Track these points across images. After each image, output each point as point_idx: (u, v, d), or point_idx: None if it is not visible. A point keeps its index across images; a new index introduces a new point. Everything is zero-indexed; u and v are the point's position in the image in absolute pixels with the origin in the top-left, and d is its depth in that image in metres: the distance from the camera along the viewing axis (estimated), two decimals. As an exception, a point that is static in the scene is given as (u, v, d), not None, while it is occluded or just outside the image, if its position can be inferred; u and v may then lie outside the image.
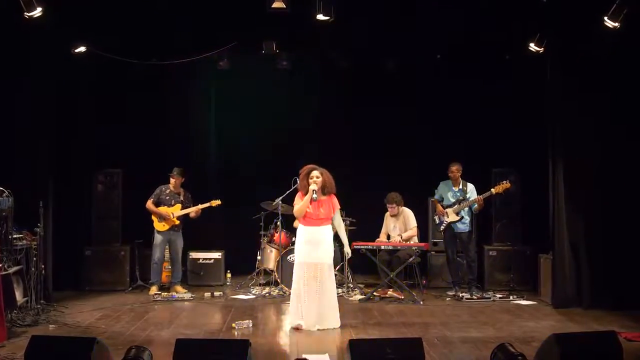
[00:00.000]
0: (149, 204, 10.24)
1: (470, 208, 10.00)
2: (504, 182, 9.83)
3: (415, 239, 10.17)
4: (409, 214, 10.32)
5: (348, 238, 8.60)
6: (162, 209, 10.24)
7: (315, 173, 7.95)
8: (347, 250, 8.38)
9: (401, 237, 10.07)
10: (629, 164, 8.83)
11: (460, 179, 10.08)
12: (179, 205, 10.31)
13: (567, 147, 9.13)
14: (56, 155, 9.80)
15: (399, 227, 10.29)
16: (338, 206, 8.14)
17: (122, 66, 10.24)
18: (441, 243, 10.70)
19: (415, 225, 10.27)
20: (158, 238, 10.26)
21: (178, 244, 10.38)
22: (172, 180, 10.31)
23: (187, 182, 10.57)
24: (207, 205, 10.35)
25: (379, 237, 10.41)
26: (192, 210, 10.32)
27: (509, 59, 10.74)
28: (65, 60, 9.74)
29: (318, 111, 11.95)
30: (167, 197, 10.31)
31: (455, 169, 10.03)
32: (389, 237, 10.40)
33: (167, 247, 10.42)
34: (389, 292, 9.87)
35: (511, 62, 10.71)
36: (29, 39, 8.97)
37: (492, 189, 9.80)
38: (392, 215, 10.35)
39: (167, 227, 10.24)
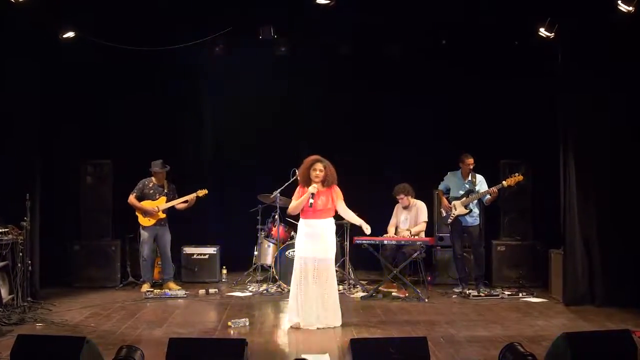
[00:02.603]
0: (132, 199, 10.22)
1: (479, 200, 9.99)
2: (516, 174, 9.79)
3: (422, 234, 10.17)
4: (421, 207, 10.31)
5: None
6: (146, 204, 10.22)
7: (319, 166, 7.84)
8: (366, 226, 8.03)
9: (410, 232, 10.03)
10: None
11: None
12: (163, 198, 10.30)
13: (579, 138, 9.09)
14: (43, 145, 9.80)
15: (410, 220, 10.28)
16: (341, 195, 8.02)
17: (112, 53, 10.19)
18: (447, 238, 10.71)
19: (426, 220, 10.26)
20: (144, 234, 10.26)
21: (166, 238, 10.37)
22: (155, 176, 10.31)
23: (176, 174, 10.57)
24: (193, 195, 10.29)
25: (387, 229, 10.38)
26: (178, 202, 10.30)
27: (517, 45, 10.71)
28: (52, 45, 9.72)
29: (318, 99, 11.94)
30: (151, 191, 10.30)
31: (471, 162, 9.98)
32: (396, 230, 10.38)
33: (155, 242, 10.41)
34: (394, 292, 9.85)
35: (520, 49, 10.68)
36: (14, 23, 8.94)
37: (504, 181, 9.77)
38: (403, 207, 10.33)
39: (153, 221, 10.23)
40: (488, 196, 9.89)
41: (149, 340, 7.10)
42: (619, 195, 8.90)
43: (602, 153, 8.99)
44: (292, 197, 8.11)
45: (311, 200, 7.76)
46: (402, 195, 10.24)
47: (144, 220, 10.23)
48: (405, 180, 10.42)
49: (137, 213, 10.26)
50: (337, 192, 8.02)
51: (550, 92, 9.77)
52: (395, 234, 10.30)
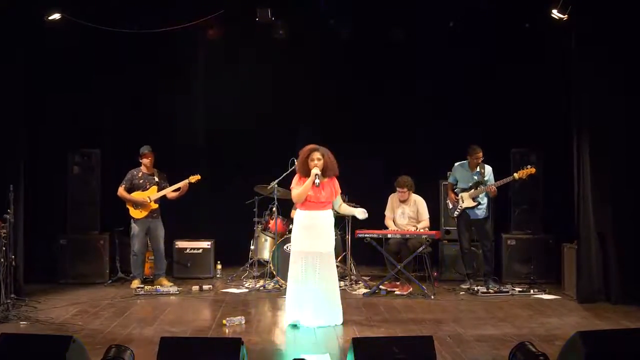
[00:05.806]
0: (121, 191, 10.19)
1: (487, 192, 9.96)
2: (528, 166, 9.72)
3: (427, 229, 10.12)
4: (421, 203, 10.24)
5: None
6: (137, 194, 10.19)
7: (316, 154, 7.84)
8: (361, 210, 8.21)
9: (416, 228, 9.97)
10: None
11: None
12: (154, 188, 10.27)
13: (594, 126, 9.06)
14: (27, 133, 9.76)
15: (409, 214, 10.23)
16: (339, 190, 8.08)
17: (101, 36, 10.12)
18: (454, 231, 10.68)
19: (428, 216, 10.21)
20: (135, 227, 10.24)
21: (158, 231, 10.35)
22: (145, 161, 10.27)
23: (168, 163, 10.54)
24: (185, 182, 10.24)
25: (386, 222, 10.33)
26: (170, 190, 10.27)
27: (528, 28, 10.65)
28: (36, 28, 9.67)
29: (317, 86, 11.91)
30: (141, 181, 10.28)
31: (481, 155, 9.91)
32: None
33: (147, 236, 10.39)
34: (397, 290, 9.82)
35: (532, 31, 10.62)
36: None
37: (515, 174, 9.71)
38: (401, 201, 10.28)
39: (144, 213, 10.20)
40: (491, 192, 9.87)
41: (139, 339, 7.08)
42: (635, 186, 8.87)
43: (618, 141, 8.96)
44: (291, 187, 8.07)
45: (317, 180, 7.73)
46: (404, 189, 10.15)
47: (135, 213, 10.20)
48: (410, 171, 10.37)
49: (127, 205, 10.23)
50: (337, 185, 8.01)
51: (563, 78, 9.72)
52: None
